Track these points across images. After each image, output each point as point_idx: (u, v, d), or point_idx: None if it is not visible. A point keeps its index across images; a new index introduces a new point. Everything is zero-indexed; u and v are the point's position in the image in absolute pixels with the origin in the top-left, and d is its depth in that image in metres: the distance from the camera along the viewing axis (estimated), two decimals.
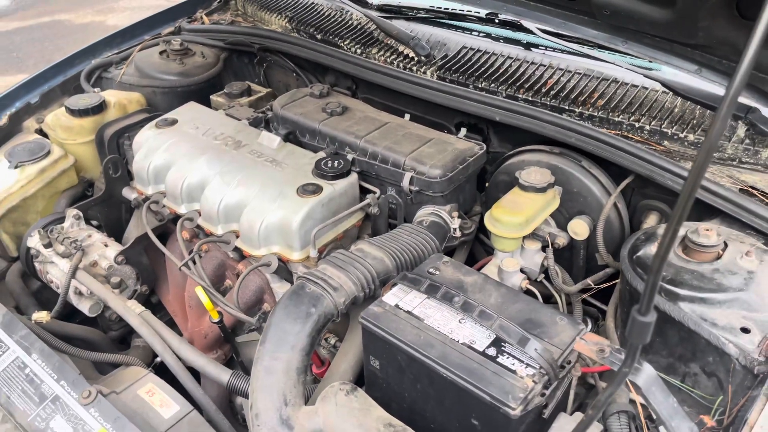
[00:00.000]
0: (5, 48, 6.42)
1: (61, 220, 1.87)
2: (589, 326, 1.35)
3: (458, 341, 1.23)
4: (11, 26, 6.95)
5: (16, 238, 1.95)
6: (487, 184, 1.92)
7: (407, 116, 1.98)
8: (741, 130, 1.56)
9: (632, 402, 1.27)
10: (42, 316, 1.63)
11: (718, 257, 1.32)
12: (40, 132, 2.16)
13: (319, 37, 2.30)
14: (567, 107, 1.75)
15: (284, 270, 1.68)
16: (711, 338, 1.21)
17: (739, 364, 1.18)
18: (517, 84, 1.85)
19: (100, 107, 2.09)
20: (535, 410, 1.16)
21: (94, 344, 1.83)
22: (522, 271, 1.65)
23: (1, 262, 2.03)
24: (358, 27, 2.31)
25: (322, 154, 1.77)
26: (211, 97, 2.22)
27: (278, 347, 1.30)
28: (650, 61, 1.70)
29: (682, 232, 1.39)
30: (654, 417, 1.23)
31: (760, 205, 1.39)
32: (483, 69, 1.94)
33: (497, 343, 1.22)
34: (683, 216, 0.59)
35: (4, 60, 6.20)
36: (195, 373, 1.56)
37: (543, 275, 1.71)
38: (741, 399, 1.17)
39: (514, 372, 1.16)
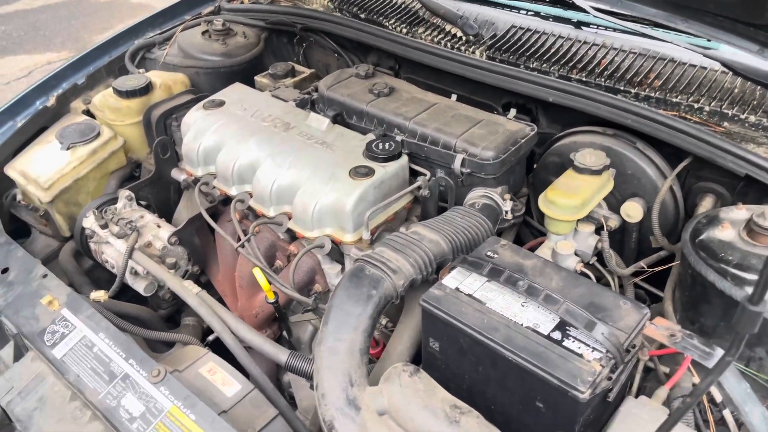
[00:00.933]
0: (32, 26, 6.46)
1: (114, 201, 1.90)
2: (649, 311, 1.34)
3: (522, 325, 1.23)
4: (36, 4, 6.98)
5: (69, 219, 1.99)
6: (535, 166, 1.91)
7: (454, 97, 1.96)
8: None
9: (695, 386, 1.27)
10: (100, 295, 1.67)
11: None
12: (88, 113, 2.18)
13: (362, 16, 2.28)
14: (622, 88, 1.73)
15: (336, 252, 1.69)
16: None
17: None
18: (570, 64, 1.83)
19: (147, 88, 2.10)
20: (601, 394, 1.17)
21: (146, 322, 1.87)
22: (576, 253, 1.65)
23: (53, 242, 2.07)
24: (403, 6, 2.28)
25: (371, 136, 1.77)
26: (255, 78, 2.22)
27: (341, 328, 1.31)
28: (708, 41, 1.67)
29: (746, 215, 1.38)
30: (717, 401, 1.24)
31: None
32: (534, 49, 1.92)
33: (562, 326, 1.22)
34: None
35: (32, 38, 6.24)
36: None
37: (595, 258, 1.71)
38: None
39: (581, 356, 1.17)
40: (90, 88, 2.25)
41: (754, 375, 1.26)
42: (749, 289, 1.24)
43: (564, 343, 1.19)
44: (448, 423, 1.18)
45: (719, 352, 1.10)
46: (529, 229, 1.98)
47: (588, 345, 1.18)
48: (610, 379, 1.16)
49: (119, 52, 2.33)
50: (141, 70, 2.24)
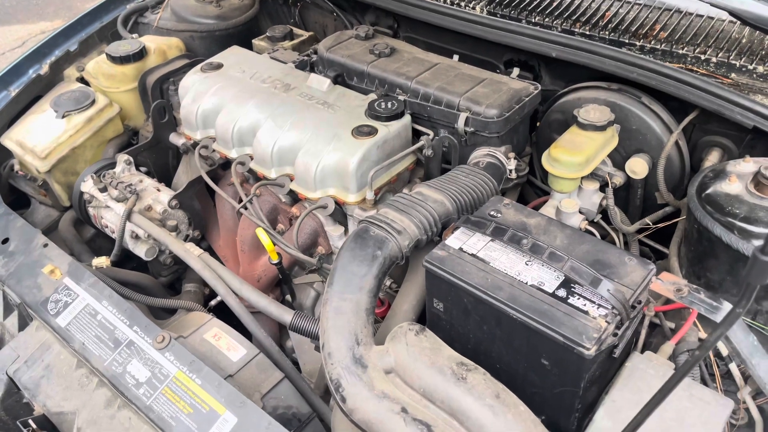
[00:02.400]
0: None
1: (112, 165, 1.88)
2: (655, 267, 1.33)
3: (527, 283, 1.22)
4: None
5: (68, 188, 1.97)
6: (538, 124, 1.88)
7: (456, 57, 1.92)
8: None
9: (701, 341, 1.27)
10: (102, 261, 1.66)
11: None
12: (82, 80, 2.14)
13: None
14: (627, 41, 1.68)
15: (339, 213, 1.68)
16: None
17: None
18: (573, 17, 1.78)
19: (141, 54, 2.06)
20: (607, 350, 1.16)
21: (147, 289, 1.87)
22: (580, 211, 1.63)
23: (53, 212, 2.06)
24: None
25: (373, 96, 1.74)
26: (253, 41, 2.17)
27: (346, 288, 1.30)
28: None
29: (754, 168, 1.35)
30: (723, 355, 1.24)
31: None
32: (535, 2, 1.87)
33: (566, 284, 1.21)
34: None
35: (24, 8, 6.13)
36: None
37: (600, 215, 1.69)
38: None
39: (586, 313, 1.16)
40: (83, 55, 2.21)
41: (761, 328, 1.25)
42: (756, 242, 1.23)
43: (569, 301, 1.18)
44: (455, 380, 1.18)
45: (726, 305, 1.09)
46: (533, 189, 1.96)
47: (593, 302, 1.17)
48: (615, 335, 1.16)
49: (111, 18, 2.29)
50: (134, 35, 2.19)
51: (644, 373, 1.17)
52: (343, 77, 1.89)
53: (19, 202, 2.10)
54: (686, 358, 1.25)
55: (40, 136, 1.91)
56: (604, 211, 1.68)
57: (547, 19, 1.81)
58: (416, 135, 1.74)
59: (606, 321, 1.14)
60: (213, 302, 1.78)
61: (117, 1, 2.31)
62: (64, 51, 2.16)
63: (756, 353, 1.07)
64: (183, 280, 2.05)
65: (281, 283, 1.90)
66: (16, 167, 2.00)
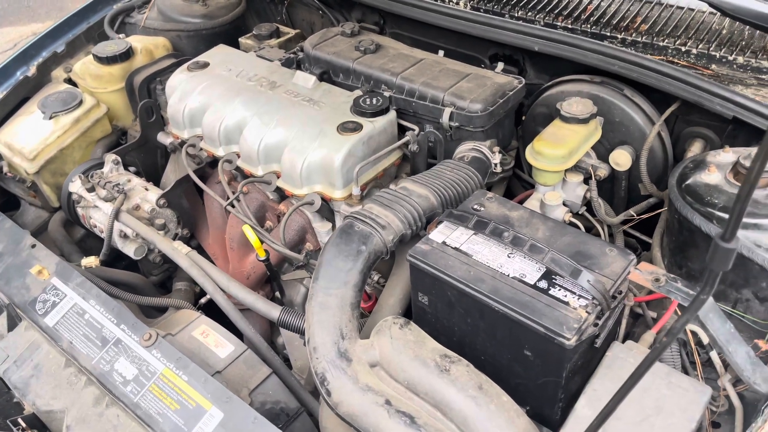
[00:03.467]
0: None
1: (100, 165, 1.89)
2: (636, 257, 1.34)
3: (509, 275, 1.24)
4: None
5: (57, 189, 1.98)
6: (524, 118, 1.89)
7: (441, 52, 1.93)
8: None
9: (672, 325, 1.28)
10: (91, 260, 1.67)
11: None
12: (69, 81, 2.15)
13: None
14: (609, 34, 1.70)
15: (326, 209, 1.69)
16: (765, 264, 1.20)
17: None
18: (556, 11, 1.79)
19: (128, 54, 2.07)
20: (588, 340, 1.18)
21: (138, 288, 1.88)
22: (564, 204, 1.64)
23: (43, 214, 2.06)
24: None
25: (359, 93, 1.75)
26: (239, 39, 2.18)
27: (331, 283, 1.32)
28: None
29: (733, 158, 1.37)
30: (704, 343, 1.25)
31: None
32: None
33: (548, 275, 1.22)
34: None
35: (16, 9, 6.12)
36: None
37: (584, 208, 1.70)
38: None
39: (566, 303, 1.17)
40: (70, 56, 2.21)
41: (740, 316, 1.27)
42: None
43: (550, 292, 1.20)
44: (439, 372, 1.20)
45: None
46: (520, 182, 1.97)
47: (574, 293, 1.19)
48: (596, 325, 1.17)
49: (98, 18, 2.29)
50: (121, 36, 2.20)
51: (624, 362, 1.18)
52: (329, 74, 1.90)
53: (9, 204, 2.11)
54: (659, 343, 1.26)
55: (28, 138, 1.92)
56: (588, 203, 1.69)
57: (529, 14, 1.82)
58: (402, 130, 1.75)
59: (586, 311, 1.15)
60: (203, 300, 1.79)
61: (104, 1, 2.32)
62: (51, 52, 2.16)
63: (733, 340, 1.08)
64: (174, 278, 2.06)
65: (271, 280, 1.91)
66: (5, 169, 2.00)
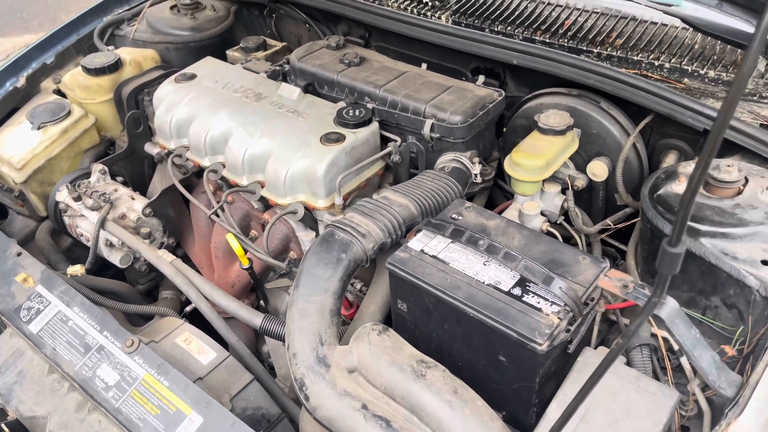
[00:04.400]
0: (9, 8, 6.36)
1: (87, 175, 1.91)
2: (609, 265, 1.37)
3: (484, 282, 1.27)
4: None
5: (44, 198, 2.00)
6: (504, 129, 1.93)
7: (424, 65, 1.97)
8: (761, 65, 1.55)
9: (654, 336, 1.32)
10: (76, 269, 1.69)
11: (739, 192, 1.34)
12: (58, 92, 2.17)
13: None
14: (585, 48, 1.74)
15: (309, 218, 1.72)
16: (732, 271, 1.24)
17: (760, 296, 1.21)
18: (534, 26, 1.84)
19: (116, 65, 2.10)
20: (561, 345, 1.21)
21: (124, 297, 1.90)
22: (542, 213, 1.68)
23: (31, 223, 2.08)
24: None
25: (342, 104, 1.79)
26: (227, 52, 2.22)
27: (311, 291, 1.34)
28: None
29: None
30: (675, 349, 1.28)
31: None
32: (498, 12, 1.93)
33: (522, 283, 1.26)
34: (715, 148, 0.60)
35: (9, 21, 6.15)
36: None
37: (563, 217, 1.74)
38: (761, 329, 1.21)
39: (539, 310, 1.20)
40: (59, 67, 2.24)
41: (709, 323, 1.30)
42: (704, 240, 1.29)
43: (524, 299, 1.23)
44: (415, 377, 1.22)
45: (670, 300, 1.14)
46: (502, 193, 2.01)
47: (547, 299, 1.22)
48: (568, 331, 1.20)
49: (87, 30, 2.32)
50: (110, 47, 2.23)
51: (595, 366, 1.21)
52: (314, 86, 1.93)
53: None
54: (638, 353, 1.29)
55: (16, 148, 1.94)
56: (566, 213, 1.73)
57: (509, 28, 1.87)
58: (384, 141, 1.78)
59: (558, 317, 1.19)
60: (188, 308, 1.81)
61: (93, 13, 2.35)
62: (40, 63, 2.19)
63: (698, 345, 1.11)
64: (160, 287, 2.08)
65: (255, 288, 1.94)
66: None
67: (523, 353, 1.19)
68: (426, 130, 1.71)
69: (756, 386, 1.05)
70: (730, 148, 1.48)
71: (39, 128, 1.95)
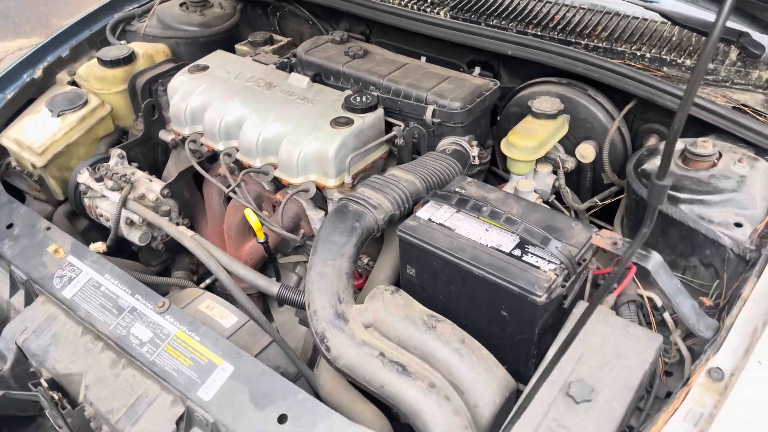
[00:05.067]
0: (2, 13, 6.41)
1: (106, 159, 2.01)
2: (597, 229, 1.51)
3: (487, 245, 1.40)
4: None
5: (62, 183, 2.09)
6: (498, 118, 2.07)
7: (423, 59, 2.11)
8: (733, 54, 1.71)
9: (639, 295, 1.45)
10: (98, 246, 1.79)
11: (714, 165, 1.50)
12: (73, 84, 2.27)
13: None
14: (573, 40, 1.89)
15: (320, 198, 1.84)
16: (708, 233, 1.39)
17: (733, 254, 1.36)
18: (526, 20, 1.99)
19: (130, 58, 2.21)
20: (557, 299, 1.34)
21: None
22: (535, 191, 1.82)
23: (47, 207, 2.17)
24: None
25: (348, 92, 1.91)
26: (236, 46, 2.34)
27: (328, 256, 1.46)
28: None
29: (681, 146, 1.56)
30: (658, 306, 1.42)
31: (751, 120, 1.55)
32: (493, 8, 2.08)
33: (521, 245, 1.39)
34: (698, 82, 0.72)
35: (2, 25, 6.19)
36: None
37: (554, 196, 1.88)
38: (735, 283, 1.35)
39: (538, 267, 1.34)
40: (74, 61, 2.34)
41: (689, 281, 1.44)
42: (683, 207, 1.43)
43: (523, 258, 1.36)
44: (426, 329, 1.35)
45: (654, 254, 1.28)
46: (495, 178, 2.15)
47: (544, 258, 1.35)
48: (564, 286, 1.34)
49: (100, 26, 2.43)
50: (122, 42, 2.34)
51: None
52: (320, 77, 2.06)
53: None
54: (626, 308, 1.43)
55: (37, 134, 2.04)
56: (557, 193, 1.87)
57: (503, 22, 2.02)
58: (389, 127, 1.91)
59: (555, 274, 1.32)
60: (202, 285, 1.92)
61: (105, 10, 2.46)
62: (56, 57, 2.29)
63: (679, 294, 1.25)
64: (172, 269, 2.19)
65: (265, 268, 2.05)
66: (13, 164, 2.12)
67: (523, 306, 1.32)
68: (428, 116, 1.84)
69: (731, 328, 1.18)
70: (706, 130, 1.63)
71: (58, 116, 2.05)
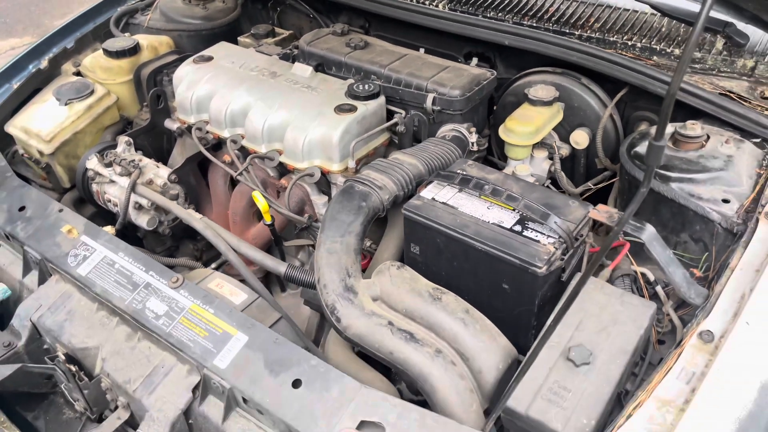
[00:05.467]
0: None
1: (113, 146, 2.06)
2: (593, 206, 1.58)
3: (489, 222, 1.47)
4: None
5: (69, 170, 2.14)
6: (495, 107, 2.14)
7: (422, 50, 2.18)
8: (719, 43, 1.80)
9: (634, 272, 1.53)
10: (108, 229, 1.83)
11: (702, 146, 1.58)
12: (78, 74, 2.32)
13: None
14: (567, 31, 1.98)
15: (324, 183, 1.90)
16: (698, 209, 1.46)
17: (722, 228, 1.44)
18: (522, 12, 2.08)
19: (135, 49, 2.26)
20: (556, 272, 1.41)
21: None
22: (532, 176, 1.89)
23: (53, 194, 2.21)
24: None
25: (351, 81, 1.98)
26: (238, 38, 2.39)
27: (337, 233, 1.52)
28: None
29: (671, 129, 1.64)
30: (651, 280, 1.50)
31: (736, 105, 1.64)
32: (490, 0, 2.15)
33: (522, 221, 1.46)
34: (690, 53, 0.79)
35: None
36: None
37: (549, 181, 1.95)
38: (723, 256, 1.43)
39: (538, 241, 1.41)
40: (78, 52, 2.39)
41: (680, 256, 1.52)
42: (674, 185, 1.51)
43: (524, 233, 1.43)
44: (432, 300, 1.41)
45: (648, 226, 1.35)
46: (492, 167, 2.22)
47: (543, 233, 1.42)
48: (562, 259, 1.41)
49: (103, 19, 2.47)
50: (126, 34, 2.38)
51: (586, 288, 1.41)
52: (322, 67, 2.12)
53: None
54: (620, 281, 1.50)
55: (45, 122, 2.08)
56: (553, 179, 1.95)
57: (500, 14, 2.10)
58: (390, 115, 1.97)
59: (554, 247, 1.39)
60: (211, 266, 1.97)
61: (108, 4, 2.50)
62: (61, 48, 2.34)
63: (671, 263, 1.33)
64: (176, 255, 2.23)
65: (270, 251, 2.10)
66: (21, 151, 2.16)
67: (524, 278, 1.39)
68: (428, 103, 1.90)
69: (720, 294, 1.26)
70: (694, 115, 1.71)
71: (66, 104, 2.10)
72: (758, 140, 1.60)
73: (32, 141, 2.08)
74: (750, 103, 1.66)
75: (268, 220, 1.78)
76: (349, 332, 1.39)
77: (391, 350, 1.34)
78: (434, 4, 2.21)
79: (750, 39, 1.79)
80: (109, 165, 1.94)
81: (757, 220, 1.36)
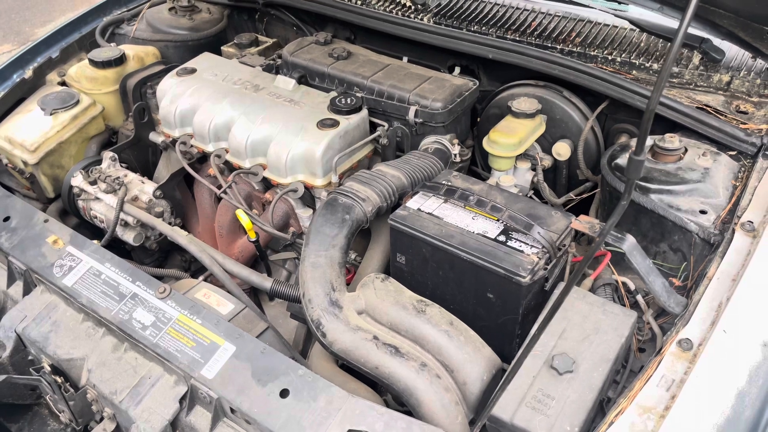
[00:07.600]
0: None
1: (98, 162, 2.06)
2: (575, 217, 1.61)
3: (474, 232, 1.49)
4: None
5: (53, 180, 2.13)
6: (479, 119, 2.18)
7: (405, 59, 2.21)
8: (696, 58, 1.85)
9: (615, 281, 1.56)
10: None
11: (680, 159, 1.62)
12: (63, 84, 2.31)
13: None
14: (550, 45, 2.02)
15: (308, 197, 1.91)
16: (676, 220, 1.50)
17: (699, 238, 1.47)
18: (505, 26, 2.11)
19: (121, 59, 2.26)
20: (539, 282, 1.44)
21: None
22: (515, 187, 1.92)
23: (37, 205, 2.20)
24: None
25: (334, 94, 1.99)
26: (222, 48, 2.40)
27: (321, 246, 1.53)
28: (619, 2, 1.98)
29: (650, 142, 1.68)
30: (632, 289, 1.53)
31: (713, 119, 1.68)
32: (474, 14, 2.20)
33: (506, 231, 1.49)
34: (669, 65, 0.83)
35: None
36: None
37: (532, 191, 1.99)
38: (700, 265, 1.47)
39: (521, 251, 1.43)
40: (63, 62, 2.38)
41: (660, 265, 1.56)
42: (653, 196, 1.55)
43: (508, 243, 1.46)
44: (416, 313, 1.43)
45: (629, 236, 1.39)
46: (476, 177, 2.25)
47: (527, 243, 1.45)
48: (545, 269, 1.44)
49: (89, 29, 2.47)
50: (112, 44, 2.39)
51: (569, 297, 1.44)
52: (306, 78, 2.14)
53: None
54: (602, 290, 1.53)
55: (29, 132, 2.07)
56: (536, 190, 1.98)
57: (484, 28, 2.13)
58: (373, 127, 1.99)
59: (537, 257, 1.42)
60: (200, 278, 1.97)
61: (93, 13, 2.50)
62: (46, 58, 2.33)
63: (651, 273, 1.36)
64: (164, 267, 2.23)
65: (255, 265, 2.11)
66: (5, 161, 2.15)
67: (509, 287, 1.42)
68: (410, 116, 1.93)
69: (698, 303, 1.29)
70: (672, 128, 1.75)
71: (51, 114, 2.09)
72: (734, 153, 1.64)
73: (16, 151, 2.07)
74: (726, 116, 1.70)
75: (252, 236, 1.79)
76: (335, 347, 1.40)
77: (376, 364, 1.35)
78: (419, 17, 2.24)
79: (726, 54, 1.84)
80: (94, 183, 1.94)
81: (733, 231, 1.40)
